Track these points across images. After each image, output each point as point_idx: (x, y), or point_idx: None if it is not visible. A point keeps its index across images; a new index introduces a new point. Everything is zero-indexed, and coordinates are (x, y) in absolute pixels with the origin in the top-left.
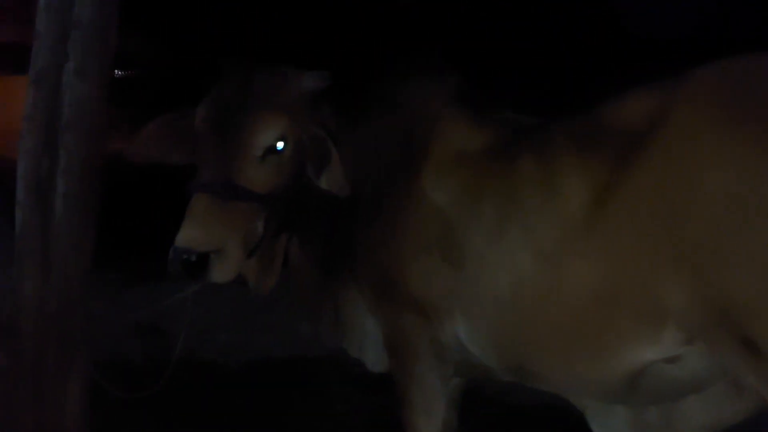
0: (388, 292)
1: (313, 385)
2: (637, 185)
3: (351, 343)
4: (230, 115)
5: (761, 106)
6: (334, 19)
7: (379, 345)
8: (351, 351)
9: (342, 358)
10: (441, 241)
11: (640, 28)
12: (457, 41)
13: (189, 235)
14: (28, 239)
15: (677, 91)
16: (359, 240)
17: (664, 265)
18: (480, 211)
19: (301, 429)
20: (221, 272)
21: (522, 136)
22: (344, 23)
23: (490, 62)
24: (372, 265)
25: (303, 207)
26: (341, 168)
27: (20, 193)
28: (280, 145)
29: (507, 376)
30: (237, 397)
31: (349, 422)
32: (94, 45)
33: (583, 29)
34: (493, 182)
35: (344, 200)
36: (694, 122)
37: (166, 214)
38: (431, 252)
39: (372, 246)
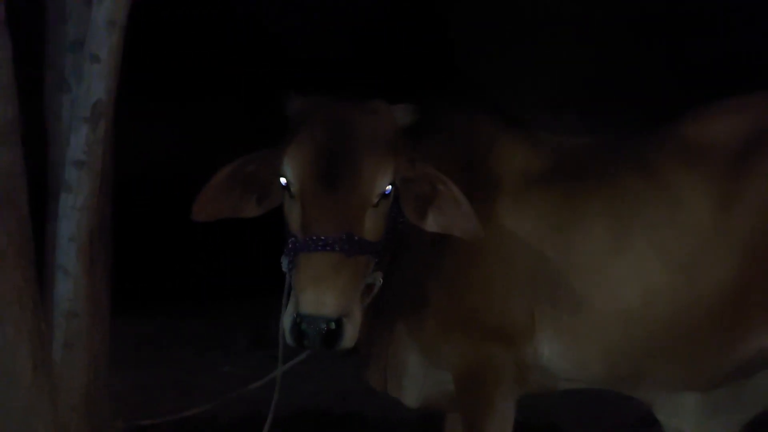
0: (464, 323)
1: None
2: (762, 189)
3: (392, 382)
4: (337, 162)
5: None
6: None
7: (418, 382)
8: (391, 390)
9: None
10: (527, 264)
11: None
12: None
13: (322, 301)
14: (81, 316)
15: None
16: (422, 273)
17: None
18: (587, 231)
19: None
20: (352, 336)
21: (600, 152)
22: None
23: None
24: (446, 295)
25: (394, 250)
26: (471, 208)
27: (65, 258)
28: (389, 188)
29: (602, 385)
30: None
31: None
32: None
33: None
34: (593, 198)
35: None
36: None
37: None
38: (514, 275)
39: (441, 277)
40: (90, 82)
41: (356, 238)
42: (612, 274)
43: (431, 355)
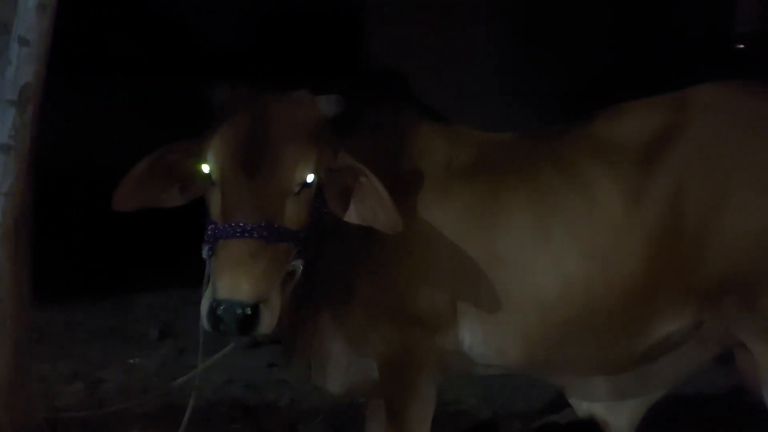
0: (390, 311)
1: None
2: (669, 184)
3: (317, 371)
4: (259, 150)
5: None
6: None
7: (343, 370)
8: (315, 379)
9: None
10: (451, 255)
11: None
12: None
13: (239, 286)
14: (5, 301)
15: (686, 105)
16: (348, 263)
17: (696, 250)
18: (505, 222)
19: None
20: (270, 323)
21: (520, 148)
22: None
23: None
24: (373, 285)
25: (317, 240)
26: (391, 201)
27: None
28: (311, 178)
29: (519, 371)
30: None
31: None
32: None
33: None
34: (514, 192)
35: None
36: (717, 127)
37: None
38: (438, 266)
39: (368, 268)
40: (18, 66)
41: (276, 225)
42: (530, 265)
43: (356, 343)
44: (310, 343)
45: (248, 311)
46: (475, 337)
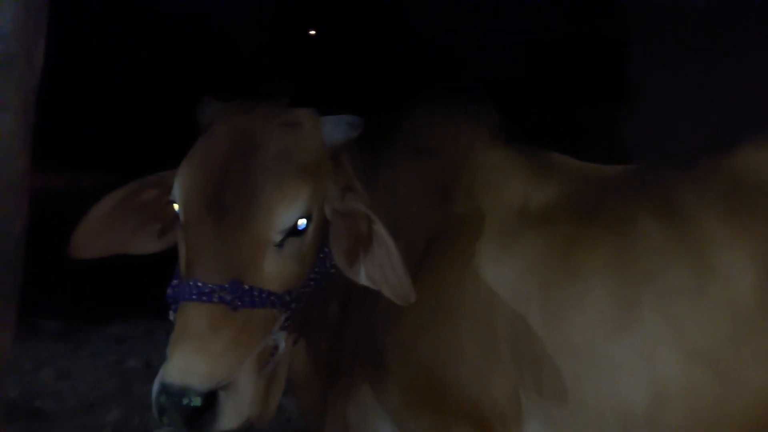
0: (431, 398)
1: None
2: None
3: None
4: (232, 186)
5: None
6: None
7: None
8: None
9: None
10: (510, 329)
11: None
12: None
13: (188, 368)
14: None
15: None
16: (385, 328)
17: None
18: (584, 295)
19: None
20: (234, 416)
21: (619, 186)
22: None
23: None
24: (407, 363)
25: (323, 300)
26: (402, 263)
27: None
28: (302, 223)
29: None
30: None
31: None
32: (15, 65)
33: None
34: (598, 254)
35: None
36: None
37: None
38: (497, 342)
39: (407, 337)
40: None
41: (246, 286)
42: (612, 359)
43: (402, 427)
44: (345, 421)
45: (197, 402)
46: None
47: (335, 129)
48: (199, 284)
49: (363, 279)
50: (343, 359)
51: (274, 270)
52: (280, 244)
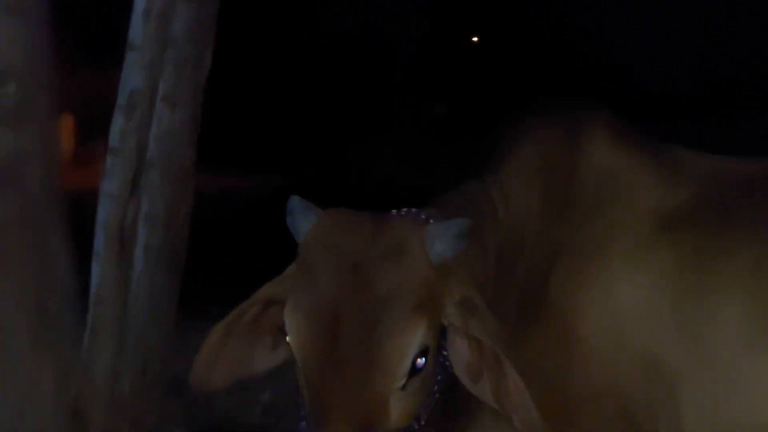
0: (557, 416)
1: None
2: None
3: None
4: (347, 339)
5: None
6: None
7: None
8: None
9: None
10: (647, 346)
11: None
12: None
13: None
14: (106, 302)
15: None
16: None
17: None
18: (718, 304)
19: None
20: None
21: (757, 185)
22: None
23: None
24: (534, 385)
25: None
26: (525, 390)
27: (99, 243)
28: (421, 362)
29: None
30: None
31: None
32: (187, 66)
33: None
34: (737, 256)
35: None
36: None
37: None
38: (626, 355)
39: (536, 359)
40: (126, 71)
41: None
42: (752, 375)
43: None
44: None
45: None
46: None
47: (443, 245)
48: None
49: (486, 396)
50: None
51: (400, 409)
52: (403, 387)
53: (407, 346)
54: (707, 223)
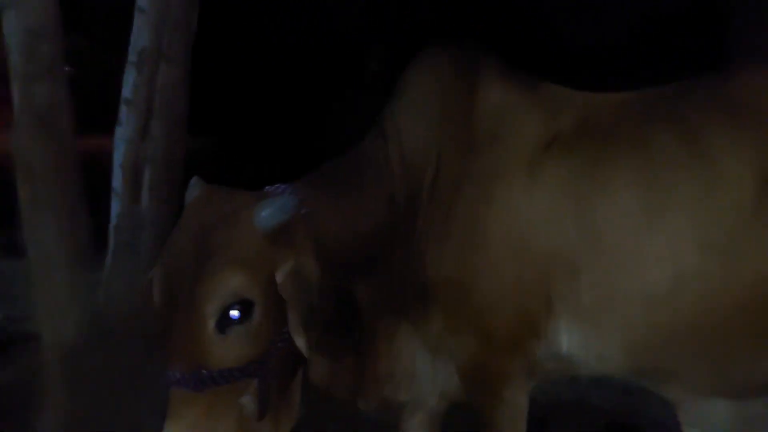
0: (472, 319)
1: None
2: None
3: (397, 389)
4: (180, 284)
5: None
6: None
7: (428, 378)
8: (398, 395)
9: None
10: (549, 244)
11: None
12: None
13: None
14: (124, 231)
15: None
16: (429, 266)
17: None
18: (608, 202)
19: None
20: None
21: (631, 110)
22: None
23: None
24: (450, 290)
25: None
26: (299, 324)
27: (117, 182)
28: (235, 314)
29: (622, 377)
30: None
31: None
32: (180, 26)
33: None
34: (620, 165)
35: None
36: None
37: None
38: (532, 263)
39: (451, 268)
40: (137, 32)
41: (205, 371)
42: (640, 254)
43: (437, 350)
44: (391, 363)
45: None
46: (573, 341)
47: (269, 216)
48: (169, 373)
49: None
50: (354, 322)
51: (226, 353)
52: (223, 332)
53: (212, 292)
54: (592, 139)
